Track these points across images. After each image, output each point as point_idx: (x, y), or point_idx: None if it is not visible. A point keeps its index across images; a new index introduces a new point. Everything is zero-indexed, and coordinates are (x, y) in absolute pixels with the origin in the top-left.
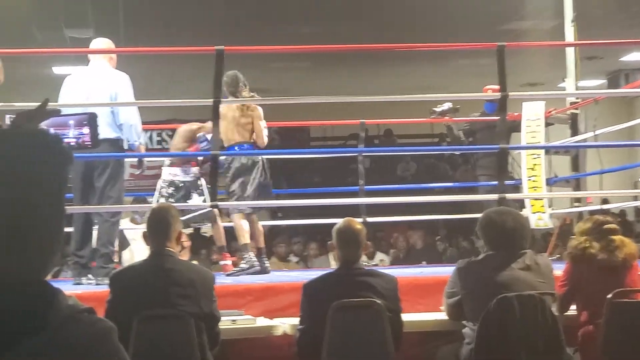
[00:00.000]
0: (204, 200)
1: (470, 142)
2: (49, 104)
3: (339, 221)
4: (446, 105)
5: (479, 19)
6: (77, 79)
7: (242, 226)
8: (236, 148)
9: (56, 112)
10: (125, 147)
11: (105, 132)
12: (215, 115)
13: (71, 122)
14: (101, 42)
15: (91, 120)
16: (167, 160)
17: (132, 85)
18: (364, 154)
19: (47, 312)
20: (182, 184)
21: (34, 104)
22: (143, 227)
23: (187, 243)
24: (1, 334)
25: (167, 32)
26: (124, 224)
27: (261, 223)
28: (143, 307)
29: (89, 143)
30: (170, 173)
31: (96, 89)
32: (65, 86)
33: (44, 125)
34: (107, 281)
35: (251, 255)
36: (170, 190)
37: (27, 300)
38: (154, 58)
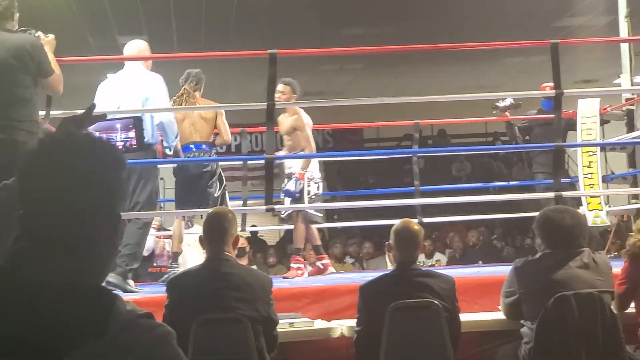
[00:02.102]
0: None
1: (526, 140)
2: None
3: (394, 222)
4: (508, 101)
5: (531, 17)
6: (109, 84)
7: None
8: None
9: (102, 117)
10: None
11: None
12: (269, 118)
13: (118, 125)
14: (136, 45)
15: (137, 123)
16: None
17: (165, 86)
18: (418, 154)
19: (106, 317)
20: None
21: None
22: (194, 232)
23: (246, 247)
24: (61, 339)
25: (218, 36)
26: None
27: (316, 226)
28: (201, 311)
29: (136, 146)
30: None
31: (127, 92)
32: (98, 91)
33: (91, 129)
34: (116, 281)
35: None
36: None
37: (87, 305)
38: (207, 63)
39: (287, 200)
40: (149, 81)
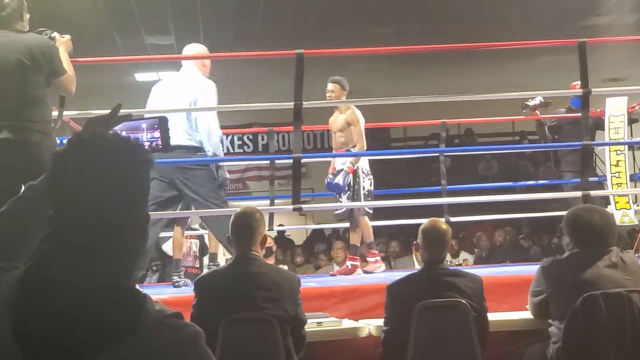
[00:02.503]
0: (348, 198)
1: (555, 139)
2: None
3: (422, 221)
4: (538, 100)
5: (558, 16)
6: (162, 85)
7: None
8: None
9: (128, 117)
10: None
11: (180, 138)
12: (296, 118)
13: (144, 125)
14: (193, 48)
15: (162, 123)
16: None
17: (216, 94)
18: (445, 153)
19: (136, 317)
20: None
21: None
22: None
23: (273, 247)
24: (91, 339)
25: (246, 37)
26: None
27: (343, 225)
28: (229, 311)
29: (161, 146)
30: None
31: (177, 94)
32: (152, 92)
33: (117, 129)
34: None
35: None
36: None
37: (117, 305)
38: (234, 62)
39: (342, 196)
40: (200, 86)
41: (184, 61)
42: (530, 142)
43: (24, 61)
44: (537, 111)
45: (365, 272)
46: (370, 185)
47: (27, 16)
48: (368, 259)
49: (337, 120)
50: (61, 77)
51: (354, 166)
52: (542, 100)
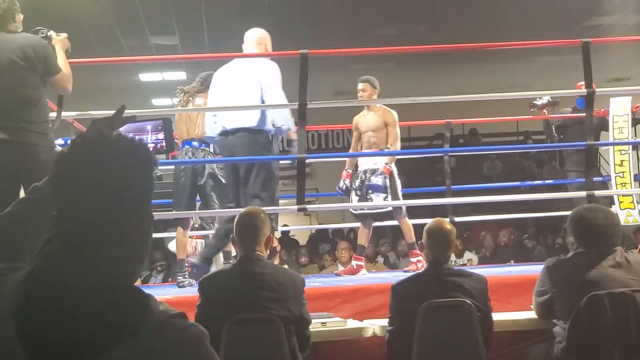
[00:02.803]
0: (385, 199)
1: (560, 139)
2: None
3: (426, 221)
4: (545, 99)
5: (562, 16)
6: (226, 70)
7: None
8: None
9: (133, 119)
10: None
11: (245, 120)
12: (301, 118)
13: (148, 127)
14: (255, 32)
15: (166, 125)
16: None
17: (280, 74)
18: (449, 153)
19: (139, 318)
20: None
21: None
22: None
23: (277, 247)
24: (95, 340)
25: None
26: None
27: (347, 225)
28: (233, 311)
29: (165, 148)
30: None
31: (240, 75)
32: (214, 78)
33: (121, 130)
34: None
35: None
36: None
37: (120, 306)
38: None
39: (377, 196)
40: (263, 64)
41: (245, 45)
42: (535, 142)
43: (18, 61)
44: (544, 110)
45: (405, 271)
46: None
47: (20, 17)
48: (412, 259)
49: (368, 119)
50: (56, 76)
51: (389, 166)
52: (550, 99)
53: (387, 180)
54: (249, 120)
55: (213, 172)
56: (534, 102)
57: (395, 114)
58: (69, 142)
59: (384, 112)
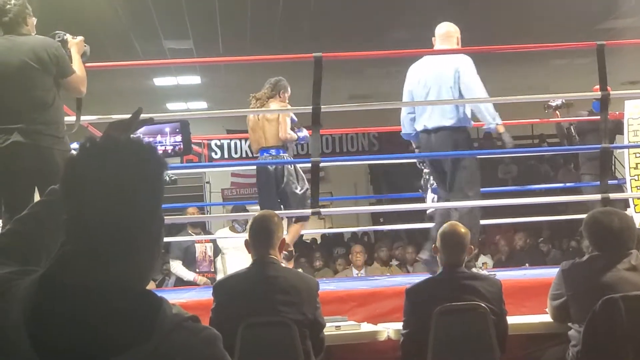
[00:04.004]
0: (434, 200)
1: (577, 141)
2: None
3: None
4: (560, 100)
5: (576, 19)
6: (418, 66)
7: None
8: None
9: (150, 121)
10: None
11: (441, 119)
12: (314, 122)
13: (167, 129)
14: (443, 27)
15: (183, 127)
16: None
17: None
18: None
19: (153, 321)
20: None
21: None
22: (243, 236)
23: (292, 250)
24: (108, 343)
25: (264, 41)
26: (224, 232)
27: (363, 229)
28: (247, 315)
29: (183, 150)
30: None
31: (436, 68)
32: (408, 75)
33: (139, 133)
34: None
35: None
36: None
37: (133, 309)
38: (252, 67)
39: (431, 197)
40: (458, 57)
41: (436, 40)
42: (550, 145)
43: (30, 63)
44: (557, 112)
45: None
46: None
47: (32, 20)
48: None
49: None
50: (69, 77)
51: None
52: (564, 101)
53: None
54: (450, 119)
55: (292, 177)
56: (549, 103)
57: None
58: (78, 146)
59: None
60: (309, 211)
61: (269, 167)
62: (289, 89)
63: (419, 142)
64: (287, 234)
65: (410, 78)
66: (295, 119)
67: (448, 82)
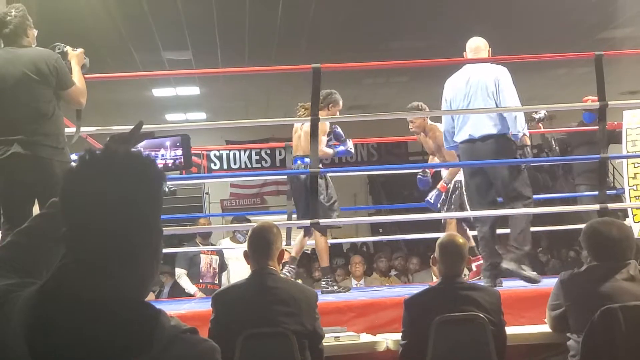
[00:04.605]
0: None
1: (568, 151)
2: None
3: (439, 235)
4: (542, 113)
5: (575, 29)
6: (456, 78)
7: None
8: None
9: (151, 135)
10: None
11: (487, 127)
12: (313, 133)
13: (167, 143)
14: (473, 42)
15: (184, 141)
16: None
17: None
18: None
19: (151, 333)
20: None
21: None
22: (245, 246)
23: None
24: (108, 354)
25: (262, 51)
26: (225, 243)
27: (362, 239)
28: (246, 326)
29: (183, 164)
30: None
31: (477, 78)
32: (447, 85)
33: (140, 147)
34: (511, 267)
35: None
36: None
37: (131, 322)
38: (251, 77)
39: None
40: (495, 67)
41: (468, 55)
42: (548, 156)
43: (30, 75)
44: (540, 124)
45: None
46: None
47: (33, 32)
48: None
49: (427, 143)
50: (69, 89)
51: (445, 184)
52: (546, 113)
53: (440, 198)
54: (494, 127)
55: (322, 187)
56: (532, 115)
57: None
58: (77, 158)
59: (436, 134)
60: (307, 222)
61: (300, 175)
62: (340, 103)
63: (461, 151)
64: (296, 245)
65: (449, 89)
66: (342, 133)
67: (489, 91)
